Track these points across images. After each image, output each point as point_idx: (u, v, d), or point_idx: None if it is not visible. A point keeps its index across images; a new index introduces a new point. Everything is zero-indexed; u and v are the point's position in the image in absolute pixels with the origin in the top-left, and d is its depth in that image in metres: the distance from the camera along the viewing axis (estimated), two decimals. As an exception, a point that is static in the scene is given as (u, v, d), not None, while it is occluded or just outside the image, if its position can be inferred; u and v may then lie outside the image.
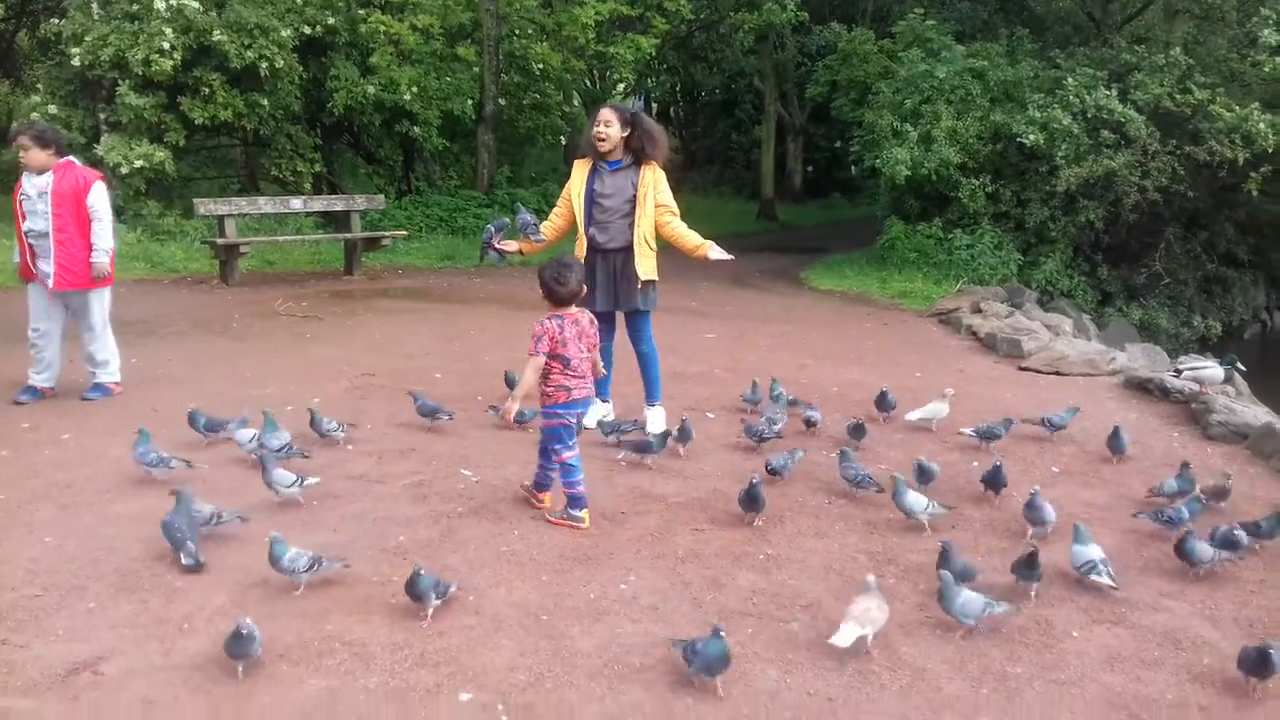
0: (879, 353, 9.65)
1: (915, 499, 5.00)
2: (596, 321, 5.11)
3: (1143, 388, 8.03)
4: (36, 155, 6.72)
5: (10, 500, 4.97)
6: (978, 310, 11.68)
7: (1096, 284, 14.91)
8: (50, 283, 6.79)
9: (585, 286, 5.09)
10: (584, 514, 4.94)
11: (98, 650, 3.64)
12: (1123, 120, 13.93)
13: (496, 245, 6.43)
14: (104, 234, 6.87)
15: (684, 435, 6.05)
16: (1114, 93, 14.23)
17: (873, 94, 17.07)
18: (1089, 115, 14.10)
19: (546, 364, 4.86)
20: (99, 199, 6.89)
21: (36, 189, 6.72)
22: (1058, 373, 8.76)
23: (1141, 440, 6.73)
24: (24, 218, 6.76)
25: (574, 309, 4.98)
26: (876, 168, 15.57)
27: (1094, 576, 4.34)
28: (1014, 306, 12.30)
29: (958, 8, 21.27)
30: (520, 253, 6.52)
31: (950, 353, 9.87)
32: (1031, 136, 13.91)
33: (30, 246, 6.77)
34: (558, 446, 4.96)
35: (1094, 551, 4.42)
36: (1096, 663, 3.82)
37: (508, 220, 6.69)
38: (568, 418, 4.92)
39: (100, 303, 7.04)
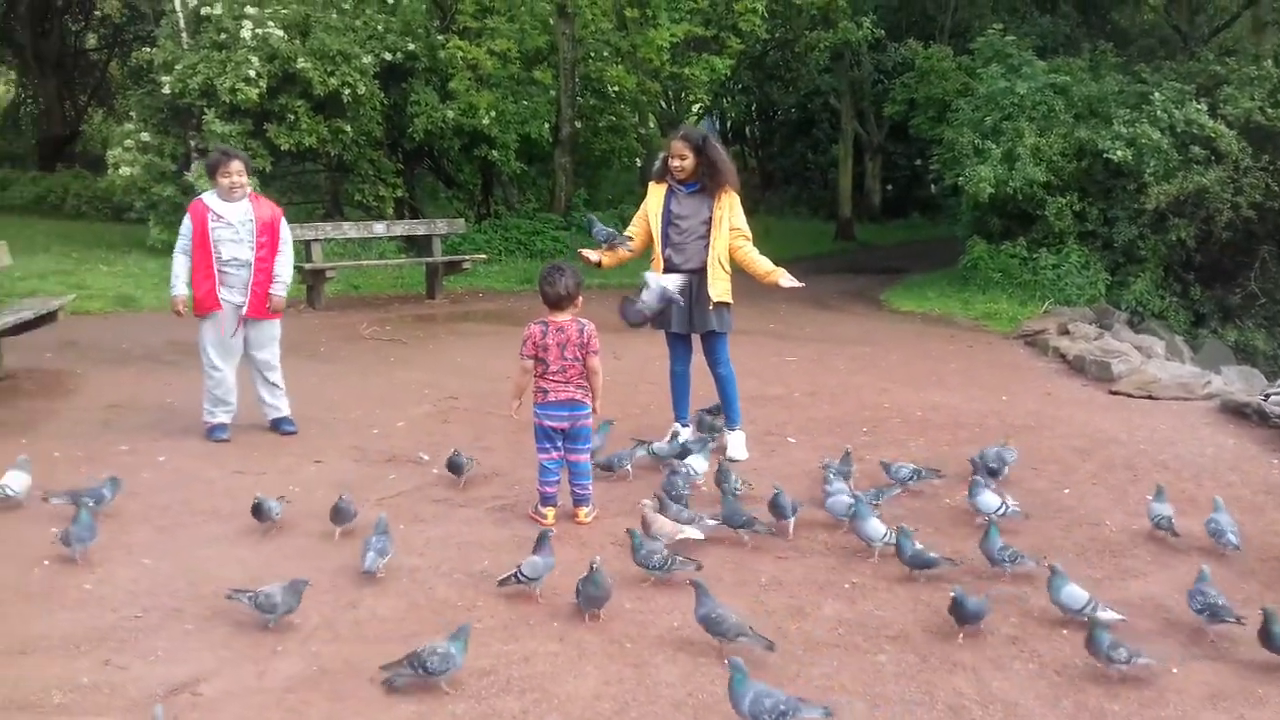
0: (963, 375, 9.50)
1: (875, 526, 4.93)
2: (590, 332, 5.23)
3: (1239, 412, 7.78)
4: (243, 180, 6.67)
5: (110, 522, 5.11)
6: (1065, 332, 11.44)
7: (1189, 304, 14.49)
8: (244, 312, 6.66)
9: (572, 295, 5.20)
10: (548, 511, 5.32)
11: (195, 671, 3.73)
12: (1213, 135, 13.57)
13: (584, 252, 6.52)
14: (289, 265, 6.87)
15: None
16: (1204, 107, 13.88)
17: (952, 111, 16.86)
18: (1178, 130, 13.76)
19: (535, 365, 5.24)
20: (287, 230, 6.91)
21: (237, 216, 6.61)
22: (1150, 396, 8.53)
23: (1240, 467, 6.53)
24: (215, 245, 6.54)
25: (566, 316, 5.23)
26: (958, 186, 15.36)
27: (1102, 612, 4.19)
28: (1103, 328, 12.02)
29: (1038, 23, 20.95)
30: (599, 265, 6.54)
31: (1037, 375, 9.68)
32: (1119, 153, 13.61)
33: (221, 274, 6.59)
34: (538, 444, 5.31)
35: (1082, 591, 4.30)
36: (1198, 700, 3.71)
37: (606, 229, 6.64)
38: (544, 419, 5.23)
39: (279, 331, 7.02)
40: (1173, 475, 6.29)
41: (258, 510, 5.05)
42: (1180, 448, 6.94)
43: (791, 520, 5.14)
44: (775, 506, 5.13)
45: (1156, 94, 14.18)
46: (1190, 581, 4.32)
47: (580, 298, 5.27)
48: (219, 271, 6.57)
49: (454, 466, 5.83)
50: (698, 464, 5.83)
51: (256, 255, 6.64)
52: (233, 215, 6.60)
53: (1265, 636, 3.93)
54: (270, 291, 6.75)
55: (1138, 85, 15.12)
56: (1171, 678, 3.86)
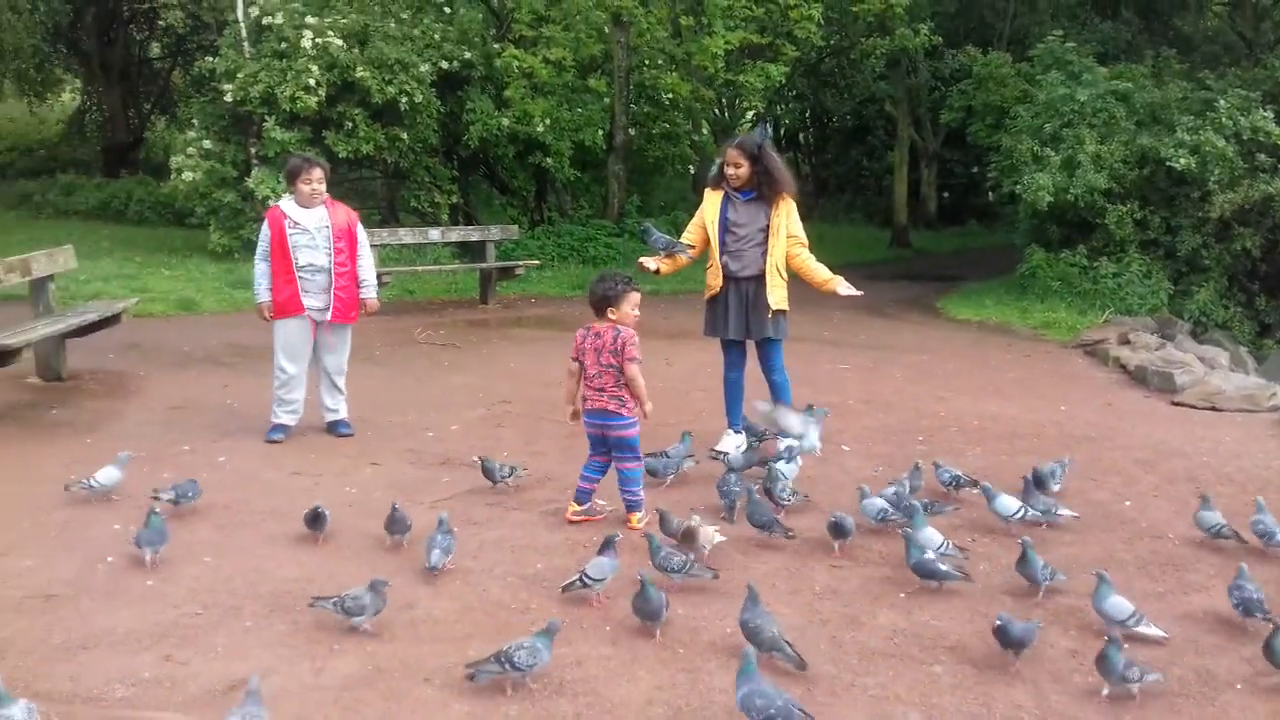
0: (1021, 385, 9.37)
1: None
2: (624, 340, 5.16)
3: (1307, 425, 7.60)
4: (323, 188, 6.77)
5: (173, 520, 5.19)
6: (1126, 342, 11.24)
7: (1254, 314, 14.14)
8: (328, 316, 6.75)
9: (602, 303, 5.21)
10: (573, 505, 5.38)
11: (254, 668, 3.75)
12: (1280, 143, 13.31)
13: (643, 261, 6.52)
14: (371, 268, 6.97)
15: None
16: (1270, 114, 13.59)
17: (1010, 118, 16.67)
18: (1244, 138, 13.49)
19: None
20: (364, 233, 6.98)
21: (313, 222, 6.68)
22: (1213, 408, 8.35)
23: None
24: (293, 251, 6.62)
25: (605, 322, 5.24)
26: (1016, 193, 15.16)
27: (1144, 628, 4.13)
28: (1165, 338, 11.78)
29: (1099, 29, 20.65)
30: (658, 272, 6.55)
31: (1097, 386, 9.52)
32: (1182, 161, 13.36)
33: (299, 280, 6.68)
34: (590, 445, 5.41)
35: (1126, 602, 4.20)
36: (1262, 718, 3.62)
37: (664, 237, 6.64)
38: (589, 426, 5.32)
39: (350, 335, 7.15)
40: (1237, 488, 6.15)
41: (316, 519, 5.00)
42: (1245, 460, 6.79)
43: (847, 539, 5.05)
44: (837, 529, 5.01)
45: (1221, 101, 13.91)
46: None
47: (617, 306, 5.20)
48: (300, 279, 6.66)
49: (487, 472, 5.80)
50: (794, 462, 5.82)
51: (335, 261, 6.71)
52: (309, 221, 6.68)
53: (1267, 650, 3.83)
54: (363, 297, 6.88)
55: (1201, 92, 14.84)
56: (1235, 693, 3.77)
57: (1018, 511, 5.22)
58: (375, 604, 4.04)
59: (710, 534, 4.80)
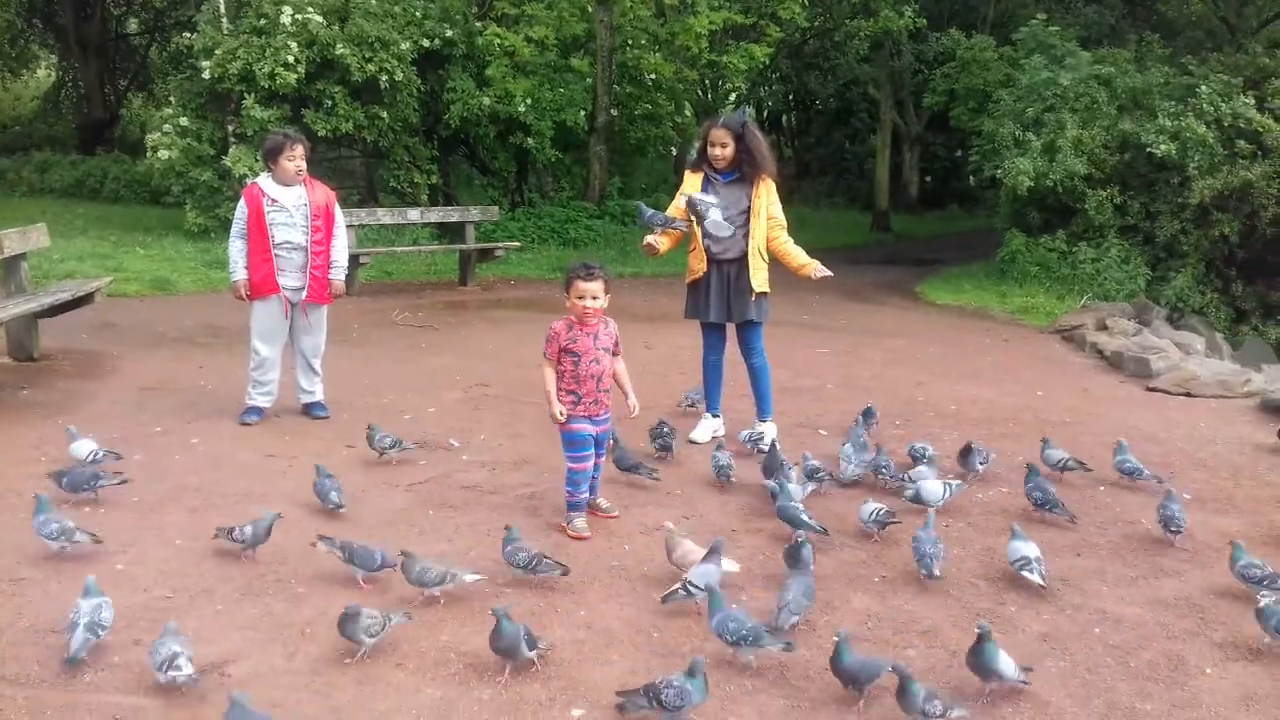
0: (998, 369, 9.40)
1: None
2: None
3: (1280, 411, 7.65)
4: (304, 165, 6.62)
5: (143, 502, 5.16)
6: (1103, 327, 11.30)
7: (1230, 301, 14.22)
8: (303, 296, 6.64)
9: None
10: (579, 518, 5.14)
11: (225, 652, 3.75)
12: (1260, 130, 13.34)
13: (648, 241, 6.43)
14: (344, 250, 6.87)
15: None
16: (1251, 101, 13.64)
17: (993, 102, 16.69)
18: (1224, 124, 13.53)
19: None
20: (340, 214, 6.87)
21: (291, 200, 6.57)
22: (1188, 394, 8.41)
23: (1281, 467, 6.42)
24: (270, 229, 6.50)
25: None
26: (997, 178, 15.20)
27: (1026, 573, 4.38)
28: (1142, 324, 11.85)
29: (1083, 13, 20.71)
30: (654, 253, 6.47)
31: (1073, 371, 9.56)
32: (1162, 146, 13.40)
33: (275, 259, 6.58)
34: None
35: (1029, 549, 4.44)
36: (1231, 701, 3.65)
37: (661, 214, 6.53)
38: None
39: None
40: (1210, 473, 6.19)
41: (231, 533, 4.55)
42: (1219, 446, 6.84)
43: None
44: (793, 557, 4.53)
45: (1203, 86, 13.97)
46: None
47: (567, 295, 5.04)
48: (276, 256, 6.56)
49: (370, 440, 5.91)
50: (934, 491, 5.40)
51: (312, 239, 6.61)
52: (287, 199, 6.57)
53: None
54: (330, 277, 6.75)
55: (1184, 77, 14.90)
56: (1205, 678, 3.80)
57: (943, 493, 5.31)
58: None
59: (686, 552, 4.46)
